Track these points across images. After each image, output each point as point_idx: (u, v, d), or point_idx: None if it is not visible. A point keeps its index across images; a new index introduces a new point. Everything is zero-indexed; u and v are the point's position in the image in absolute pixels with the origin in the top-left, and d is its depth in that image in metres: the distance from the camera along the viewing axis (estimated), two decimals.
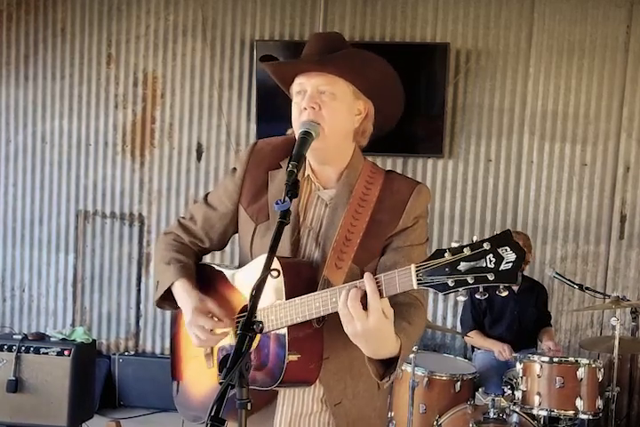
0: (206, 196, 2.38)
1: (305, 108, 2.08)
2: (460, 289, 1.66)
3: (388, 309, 1.80)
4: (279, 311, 1.95)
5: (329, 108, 2.07)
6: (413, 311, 2.03)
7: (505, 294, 1.66)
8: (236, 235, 2.36)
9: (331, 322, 1.95)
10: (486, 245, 1.62)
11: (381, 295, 1.78)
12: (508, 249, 1.61)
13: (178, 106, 6.12)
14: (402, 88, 2.18)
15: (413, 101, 5.52)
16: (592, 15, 5.63)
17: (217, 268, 2.31)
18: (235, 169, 2.30)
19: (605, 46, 5.62)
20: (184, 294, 2.19)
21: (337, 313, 1.84)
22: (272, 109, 5.52)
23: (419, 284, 1.71)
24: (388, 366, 1.92)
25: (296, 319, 1.92)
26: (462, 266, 1.64)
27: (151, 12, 6.08)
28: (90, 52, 6.16)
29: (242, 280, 2.17)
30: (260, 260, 1.99)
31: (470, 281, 1.64)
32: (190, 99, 6.10)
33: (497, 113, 5.77)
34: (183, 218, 2.39)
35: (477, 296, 1.67)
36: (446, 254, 1.67)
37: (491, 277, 1.62)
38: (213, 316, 2.12)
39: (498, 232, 1.65)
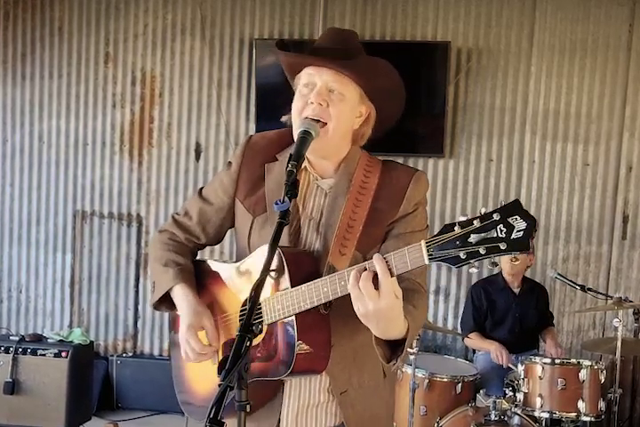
0: (200, 190, 2.36)
1: (312, 103, 2.07)
2: (472, 261, 1.66)
3: (397, 288, 1.80)
4: (286, 300, 1.94)
5: (336, 108, 2.07)
6: (417, 296, 2.05)
7: (517, 262, 1.65)
8: (231, 230, 2.35)
9: (335, 310, 1.96)
10: (496, 216, 1.63)
11: (392, 274, 1.77)
12: (518, 218, 1.61)
13: (176, 105, 6.09)
14: (404, 96, 2.19)
15: (414, 101, 5.48)
16: (594, 14, 5.60)
17: (215, 264, 2.30)
18: (230, 163, 2.29)
19: (608, 45, 5.59)
20: (183, 301, 2.19)
21: (343, 301, 1.83)
22: (271, 109, 5.46)
23: (430, 259, 1.71)
24: (394, 349, 1.92)
25: (304, 306, 1.91)
26: (473, 238, 1.65)
27: (149, 11, 6.05)
28: (87, 50, 6.14)
29: (242, 274, 2.16)
30: (260, 252, 2.01)
31: (482, 252, 1.64)
32: (189, 98, 6.07)
33: (498, 112, 5.74)
34: (177, 214, 2.37)
35: (490, 267, 1.70)
36: (456, 228, 1.67)
37: (503, 246, 1.61)
38: (207, 332, 2.15)
39: (506, 203, 1.66)
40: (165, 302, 2.25)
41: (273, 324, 1.99)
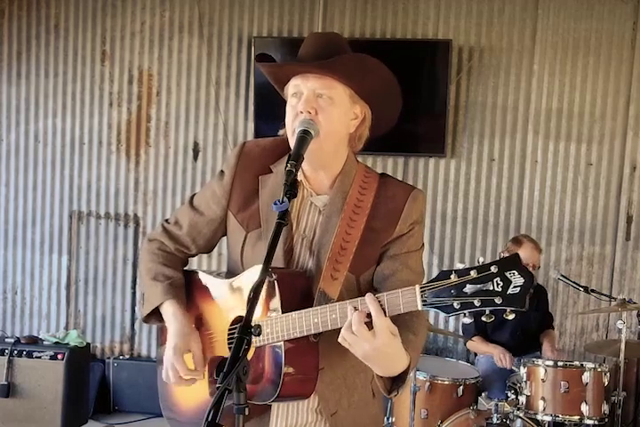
0: (192, 199, 2.29)
1: (301, 112, 2.02)
2: (466, 312, 1.67)
3: (392, 327, 1.79)
4: (275, 325, 1.92)
5: (326, 113, 2.02)
6: (416, 320, 2.02)
7: (512, 317, 1.64)
8: (224, 239, 2.30)
9: (325, 333, 1.93)
10: (493, 269, 1.63)
11: (385, 315, 1.77)
12: (516, 273, 1.62)
13: (174, 104, 6.04)
14: (400, 92, 2.14)
15: (415, 99, 5.45)
16: (597, 11, 5.55)
17: (206, 277, 2.25)
18: (222, 172, 2.23)
19: (611, 43, 5.55)
20: (171, 320, 2.15)
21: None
22: (270, 108, 5.37)
23: (423, 304, 1.72)
24: (395, 379, 1.91)
25: (293, 334, 1.89)
26: (468, 288, 1.65)
27: (146, 9, 6.01)
28: (84, 48, 6.09)
29: (233, 292, 2.11)
30: (253, 271, 1.99)
31: (477, 304, 1.64)
32: (187, 97, 6.03)
33: (500, 111, 5.69)
34: (168, 222, 2.31)
35: (484, 319, 1.66)
36: (452, 276, 1.67)
37: (498, 300, 1.62)
38: (193, 356, 2.11)
39: (505, 256, 1.66)
40: (154, 315, 2.21)
41: (261, 347, 1.96)
